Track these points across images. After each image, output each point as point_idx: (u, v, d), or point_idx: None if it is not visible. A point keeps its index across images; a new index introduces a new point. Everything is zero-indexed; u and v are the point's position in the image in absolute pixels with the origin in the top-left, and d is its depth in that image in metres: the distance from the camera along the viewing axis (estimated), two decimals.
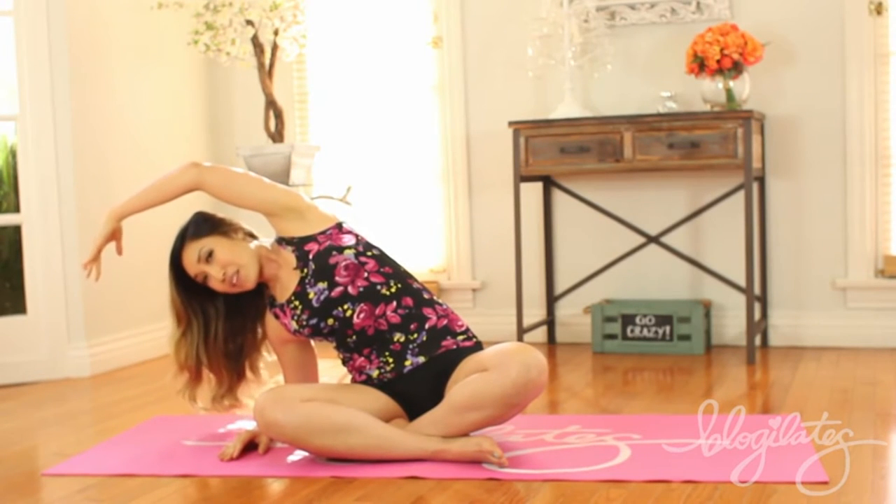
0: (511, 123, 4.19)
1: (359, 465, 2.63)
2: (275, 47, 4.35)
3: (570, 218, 4.57)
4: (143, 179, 4.53)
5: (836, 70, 4.20)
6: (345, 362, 2.87)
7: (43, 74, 4.10)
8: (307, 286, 2.75)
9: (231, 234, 2.81)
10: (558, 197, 4.58)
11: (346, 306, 2.73)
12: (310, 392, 2.70)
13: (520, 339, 4.17)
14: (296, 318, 2.78)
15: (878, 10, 4.15)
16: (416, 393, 2.74)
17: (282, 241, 2.83)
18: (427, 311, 2.78)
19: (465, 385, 2.61)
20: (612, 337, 4.29)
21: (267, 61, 4.37)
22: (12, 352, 4.09)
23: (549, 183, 4.55)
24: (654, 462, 2.58)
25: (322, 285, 2.73)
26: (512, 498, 2.37)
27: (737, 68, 4.06)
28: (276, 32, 4.31)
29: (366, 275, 2.74)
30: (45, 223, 4.13)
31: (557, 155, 4.14)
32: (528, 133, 4.17)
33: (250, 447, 2.82)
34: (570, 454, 2.68)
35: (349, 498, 2.41)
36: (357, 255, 2.75)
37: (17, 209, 4.18)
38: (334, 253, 2.74)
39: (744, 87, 4.10)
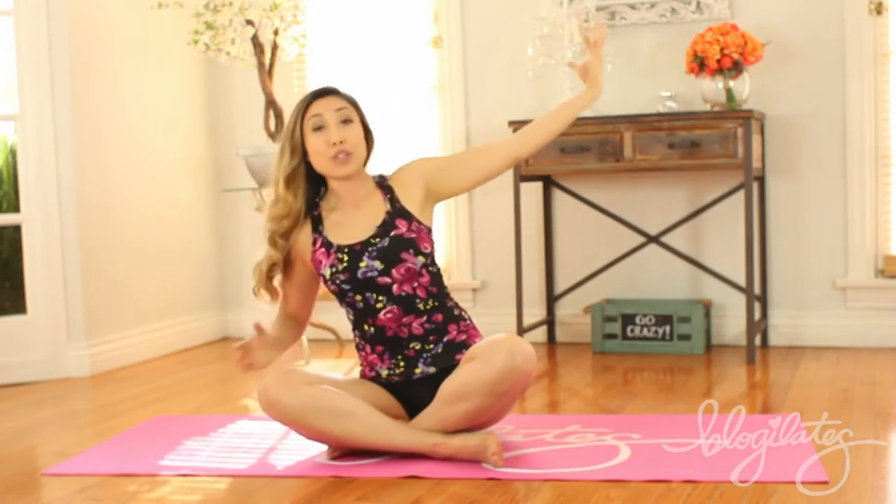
0: (511, 123, 4.19)
1: (359, 465, 2.63)
2: (275, 47, 4.35)
3: (570, 218, 4.57)
4: (143, 178, 4.57)
5: (836, 70, 4.20)
6: (358, 348, 2.85)
7: (43, 74, 4.10)
8: (366, 253, 2.72)
9: (369, 138, 2.81)
10: (558, 197, 4.58)
11: (380, 297, 2.72)
12: (315, 377, 2.70)
13: None
14: (334, 267, 2.73)
15: (878, 10, 4.15)
16: (420, 398, 2.74)
17: (391, 192, 2.81)
18: (451, 327, 2.78)
19: (453, 376, 2.64)
20: (612, 337, 4.29)
21: (267, 61, 4.37)
22: (12, 352, 4.09)
23: (549, 183, 4.55)
24: (654, 462, 2.58)
25: (378, 265, 2.71)
26: (512, 498, 2.37)
27: (737, 68, 4.06)
28: (276, 32, 4.30)
29: (415, 285, 2.73)
30: (45, 223, 4.12)
31: (557, 155, 4.14)
32: None
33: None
34: (570, 454, 2.69)
35: (349, 498, 2.41)
36: (424, 265, 2.74)
37: (17, 209, 4.18)
38: (411, 250, 2.72)
39: (744, 87, 4.10)
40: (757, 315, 4.27)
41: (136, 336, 4.49)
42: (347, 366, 3.88)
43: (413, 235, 2.74)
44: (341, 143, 2.71)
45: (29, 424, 3.38)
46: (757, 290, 4.28)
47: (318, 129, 2.73)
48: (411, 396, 2.77)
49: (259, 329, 2.68)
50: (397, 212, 2.77)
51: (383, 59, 4.83)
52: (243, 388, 3.89)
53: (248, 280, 4.97)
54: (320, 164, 2.74)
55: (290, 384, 2.64)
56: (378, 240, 2.73)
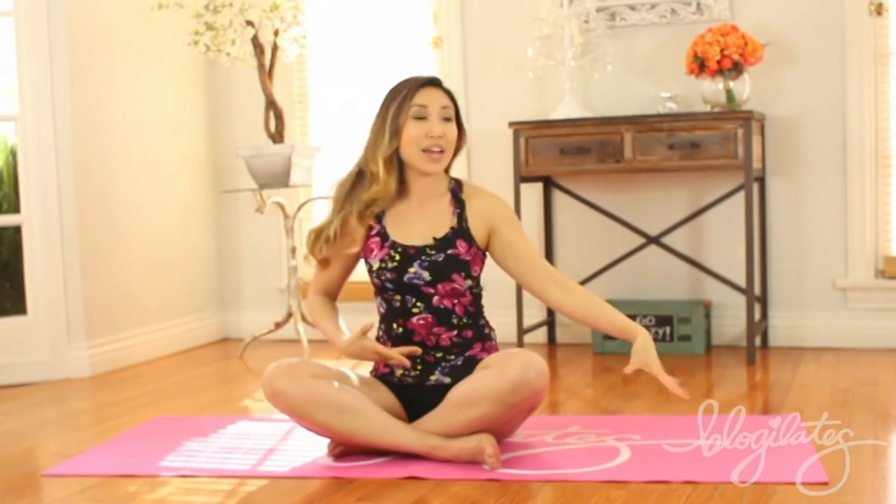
0: (511, 124, 4.19)
1: (359, 465, 2.63)
2: (275, 48, 4.35)
3: (570, 218, 4.57)
4: (143, 179, 4.57)
5: (836, 70, 4.20)
6: (379, 341, 2.83)
7: (43, 74, 4.10)
8: (418, 261, 2.72)
9: (461, 138, 2.79)
10: (558, 197, 4.58)
11: (418, 303, 2.72)
12: (320, 370, 2.70)
13: (520, 339, 4.17)
14: (383, 262, 2.73)
15: (878, 10, 4.15)
16: (426, 405, 2.72)
17: (462, 207, 2.78)
18: (476, 345, 2.78)
19: (465, 381, 2.64)
20: (612, 337, 4.29)
21: (267, 62, 4.37)
22: (12, 352, 4.09)
23: (549, 183, 4.55)
24: (654, 462, 2.58)
25: (426, 275, 2.71)
26: (512, 498, 2.37)
27: (737, 69, 4.06)
28: (276, 33, 4.31)
29: (455, 301, 2.74)
30: (45, 223, 4.13)
31: (557, 155, 4.14)
32: (529, 133, 4.17)
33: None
34: (571, 455, 2.69)
35: (349, 498, 2.41)
36: (469, 287, 2.75)
37: (17, 209, 4.18)
38: (462, 273, 2.72)
39: (744, 88, 4.10)
40: (757, 316, 4.27)
41: (137, 337, 4.49)
42: (347, 367, 3.87)
43: (468, 258, 2.74)
44: (440, 137, 2.70)
45: (29, 425, 3.38)
46: (757, 290, 4.28)
47: (420, 118, 2.71)
48: (417, 401, 2.76)
49: (365, 330, 2.68)
50: (462, 231, 2.75)
51: (383, 59, 4.83)
52: (244, 389, 3.89)
53: (248, 281, 5.02)
54: (412, 153, 2.72)
55: (295, 375, 2.63)
56: (434, 252, 2.73)
